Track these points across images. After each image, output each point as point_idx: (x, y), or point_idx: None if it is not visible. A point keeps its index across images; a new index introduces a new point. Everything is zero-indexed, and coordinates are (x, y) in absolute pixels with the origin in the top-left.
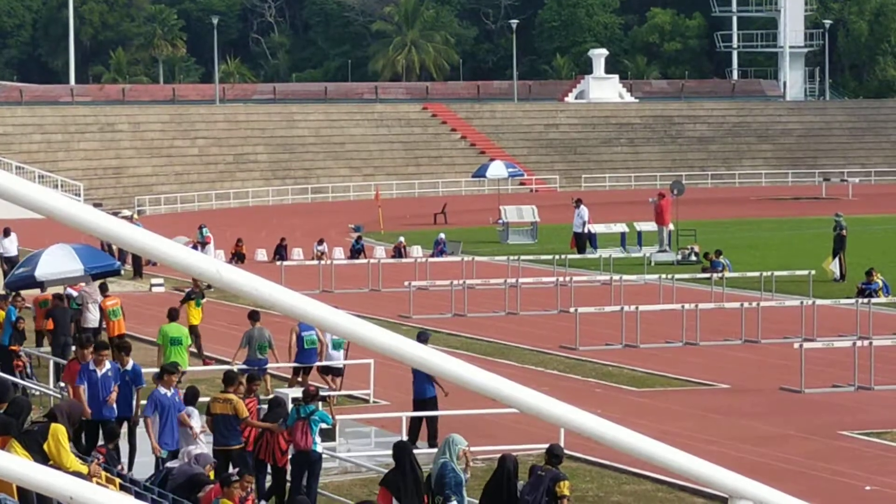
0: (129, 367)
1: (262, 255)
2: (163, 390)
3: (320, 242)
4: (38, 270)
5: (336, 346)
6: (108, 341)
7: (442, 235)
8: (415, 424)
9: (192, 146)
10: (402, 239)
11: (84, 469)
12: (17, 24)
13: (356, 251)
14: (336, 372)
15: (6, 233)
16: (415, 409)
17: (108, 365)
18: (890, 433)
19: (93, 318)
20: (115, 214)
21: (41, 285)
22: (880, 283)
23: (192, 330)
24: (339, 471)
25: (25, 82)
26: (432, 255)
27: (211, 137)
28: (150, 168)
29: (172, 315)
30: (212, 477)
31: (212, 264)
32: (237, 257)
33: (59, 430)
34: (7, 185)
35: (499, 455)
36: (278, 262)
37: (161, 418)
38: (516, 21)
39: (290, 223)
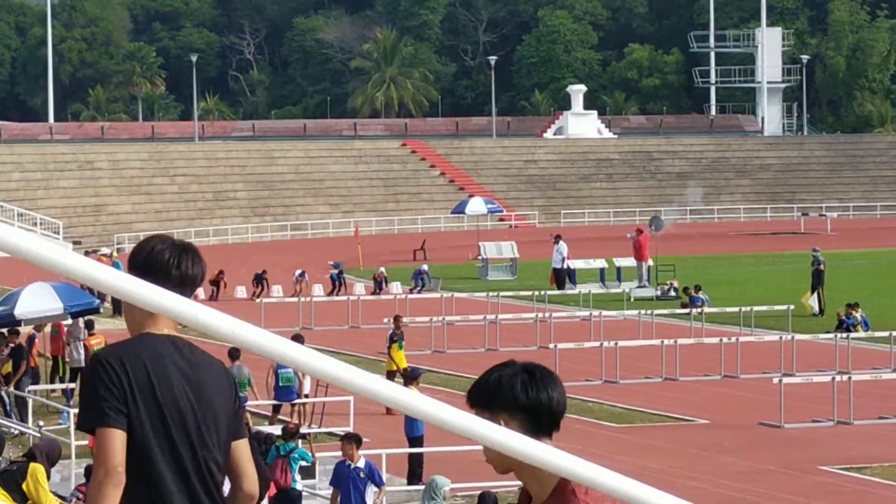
0: None
1: (241, 291)
2: None
3: (302, 274)
4: (17, 309)
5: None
6: None
7: (424, 267)
8: (411, 461)
9: (171, 183)
10: (382, 269)
11: None
12: None
13: (335, 282)
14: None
15: None
16: (410, 446)
17: None
18: (870, 468)
19: (77, 356)
20: (94, 252)
21: (19, 323)
22: (859, 318)
23: (393, 375)
24: None
25: (4, 120)
26: (413, 287)
27: (190, 175)
28: (130, 206)
29: None
30: None
31: (190, 307)
32: (214, 285)
33: (37, 470)
34: None
35: (479, 492)
36: (257, 300)
37: None
38: (495, 57)
39: (269, 260)
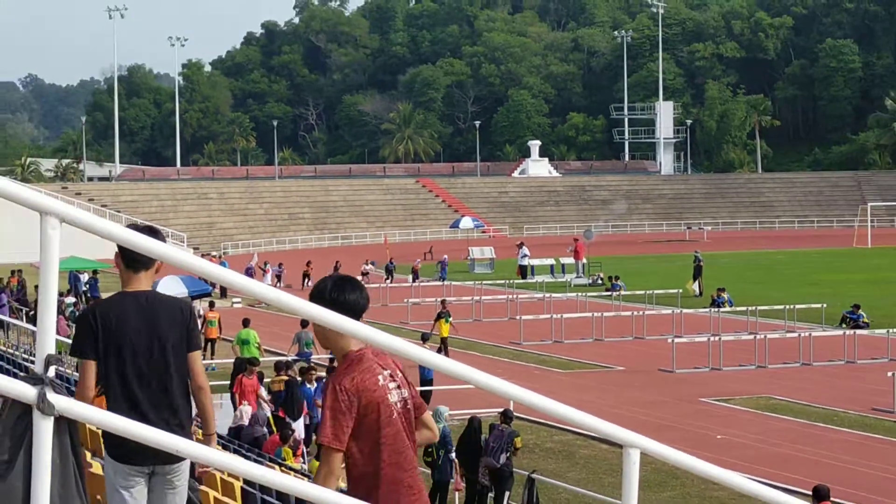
0: None
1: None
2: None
3: (367, 263)
4: None
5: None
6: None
7: (445, 257)
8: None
9: (259, 208)
10: (418, 261)
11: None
12: (140, 126)
13: (391, 273)
14: None
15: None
16: (421, 386)
17: None
18: (734, 399)
19: None
20: (207, 255)
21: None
22: (726, 298)
23: (443, 342)
24: None
25: (147, 165)
26: (440, 275)
27: (273, 202)
28: (232, 223)
29: (245, 323)
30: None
31: (271, 291)
32: (306, 276)
33: None
34: (138, 240)
35: (468, 416)
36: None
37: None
38: (479, 122)
39: (328, 259)
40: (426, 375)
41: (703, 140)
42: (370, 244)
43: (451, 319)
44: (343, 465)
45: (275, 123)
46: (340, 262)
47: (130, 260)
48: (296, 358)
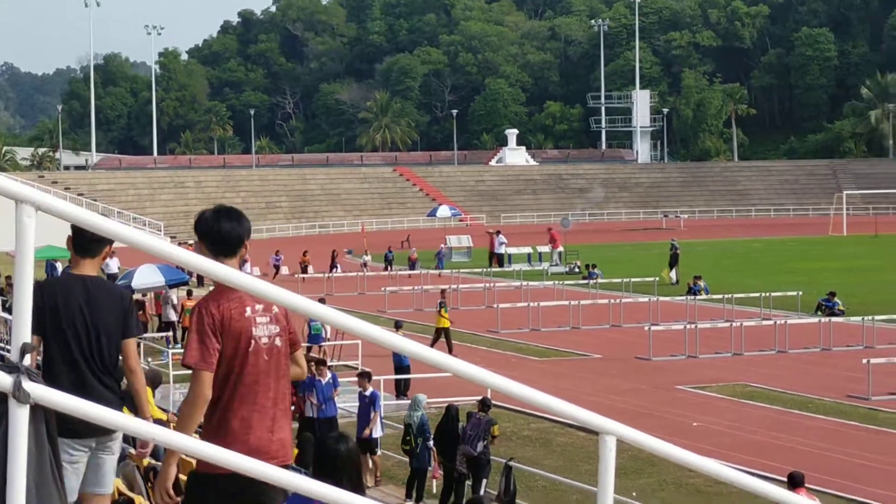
0: None
1: (284, 270)
2: None
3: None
4: (133, 282)
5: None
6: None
7: (442, 247)
8: (397, 383)
9: (236, 196)
10: (414, 250)
11: (164, 416)
12: (117, 115)
13: (390, 264)
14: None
15: (111, 255)
16: (396, 373)
17: None
18: (709, 387)
19: (168, 314)
20: (184, 243)
21: (133, 292)
22: (702, 286)
23: (437, 333)
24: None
25: (123, 154)
26: (437, 266)
27: (250, 191)
28: None
29: None
30: None
31: (241, 278)
32: (303, 268)
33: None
34: (110, 227)
35: (445, 404)
36: (328, 275)
37: None
38: (456, 110)
39: (303, 248)
40: (402, 363)
41: (680, 128)
42: (347, 233)
43: (446, 309)
44: (211, 386)
45: (251, 112)
46: (337, 250)
47: (80, 246)
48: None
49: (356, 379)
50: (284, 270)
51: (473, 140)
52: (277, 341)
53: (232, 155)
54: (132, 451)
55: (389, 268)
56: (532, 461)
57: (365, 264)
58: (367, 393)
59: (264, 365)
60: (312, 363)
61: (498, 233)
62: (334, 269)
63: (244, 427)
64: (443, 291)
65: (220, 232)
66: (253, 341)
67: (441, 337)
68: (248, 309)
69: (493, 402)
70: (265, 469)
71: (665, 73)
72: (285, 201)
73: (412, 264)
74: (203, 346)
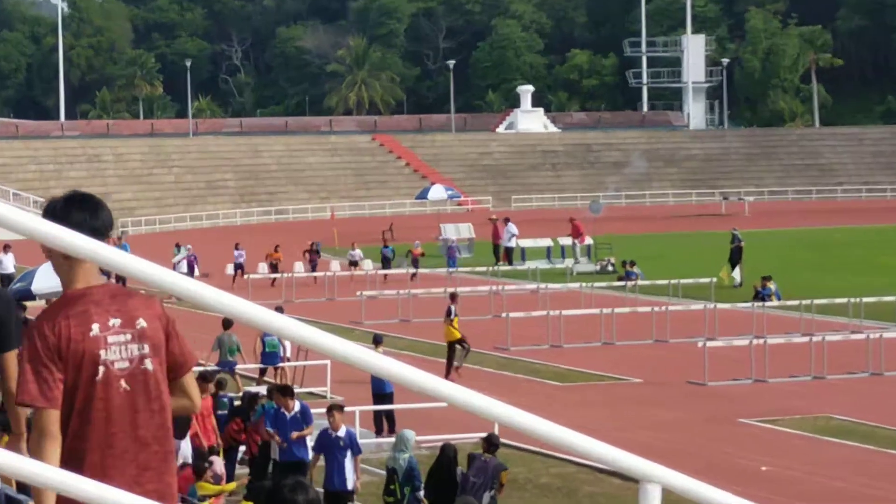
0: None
1: (230, 268)
2: None
3: (353, 247)
4: (34, 285)
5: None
6: None
7: (454, 240)
8: (377, 416)
9: (168, 174)
10: (417, 243)
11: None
12: (13, 68)
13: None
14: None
15: (5, 249)
16: (374, 403)
17: None
18: (782, 420)
19: None
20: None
21: (34, 298)
22: (772, 289)
23: (451, 346)
24: None
25: (21, 119)
26: (450, 258)
27: (185, 166)
28: (132, 194)
29: None
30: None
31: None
32: (273, 266)
33: None
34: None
35: (440, 444)
36: (305, 274)
37: None
38: (453, 61)
39: (256, 241)
40: (383, 389)
41: (744, 85)
42: (313, 220)
43: (452, 318)
44: (59, 424)
45: (188, 64)
46: (312, 243)
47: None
48: (216, 368)
49: (324, 412)
50: (258, 268)
51: (476, 100)
52: (147, 364)
53: (162, 119)
54: None
55: (388, 267)
56: None
57: (355, 263)
58: (341, 433)
59: (121, 397)
60: (276, 392)
61: (506, 220)
62: (313, 265)
63: (98, 477)
64: (453, 296)
65: (70, 225)
66: (102, 367)
67: (453, 352)
68: (97, 326)
69: (502, 440)
70: None
71: (725, 13)
72: (232, 180)
73: (415, 261)
74: (40, 379)
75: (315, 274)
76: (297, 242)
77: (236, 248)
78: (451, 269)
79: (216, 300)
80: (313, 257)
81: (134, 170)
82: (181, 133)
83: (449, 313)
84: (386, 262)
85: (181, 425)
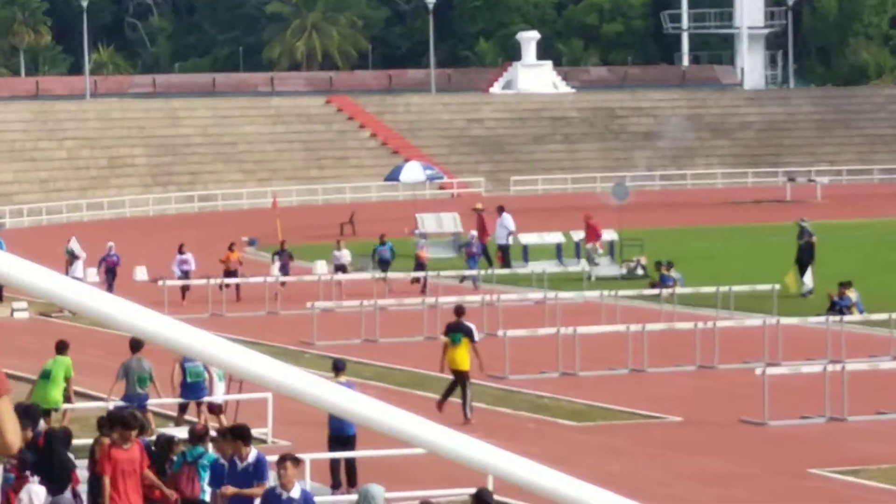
0: None
1: (142, 273)
2: None
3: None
4: None
5: (219, 377)
6: None
7: (473, 233)
8: (334, 465)
9: (59, 148)
10: (422, 242)
11: None
12: None
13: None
14: (216, 409)
15: None
16: (331, 449)
17: None
18: (866, 470)
19: None
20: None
21: None
22: (853, 299)
23: (458, 378)
24: None
25: None
26: (469, 258)
27: (81, 138)
28: (11, 174)
29: (59, 348)
30: None
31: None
32: (228, 272)
33: None
34: None
35: (418, 501)
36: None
37: None
38: (433, 1)
39: (175, 235)
40: (344, 432)
41: (815, 31)
42: (249, 209)
43: (458, 339)
44: None
45: (84, 4)
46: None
47: None
48: (121, 404)
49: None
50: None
51: (463, 51)
52: None
53: (51, 76)
54: None
55: (381, 269)
56: None
57: (342, 268)
58: (294, 494)
59: None
60: (228, 434)
61: (500, 210)
62: (284, 270)
63: None
64: (459, 309)
65: None
66: None
67: (458, 386)
68: None
69: (497, 497)
70: None
71: None
72: (142, 156)
73: (420, 265)
74: None
75: (288, 278)
76: (226, 238)
77: (180, 252)
78: (469, 276)
79: (121, 313)
80: (285, 260)
81: (13, 143)
82: (75, 95)
83: (468, 333)
84: (384, 265)
85: (60, 477)
